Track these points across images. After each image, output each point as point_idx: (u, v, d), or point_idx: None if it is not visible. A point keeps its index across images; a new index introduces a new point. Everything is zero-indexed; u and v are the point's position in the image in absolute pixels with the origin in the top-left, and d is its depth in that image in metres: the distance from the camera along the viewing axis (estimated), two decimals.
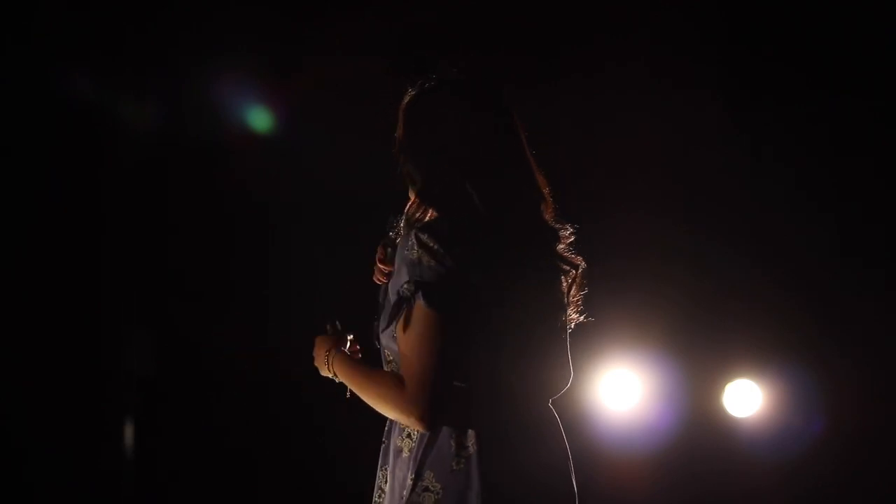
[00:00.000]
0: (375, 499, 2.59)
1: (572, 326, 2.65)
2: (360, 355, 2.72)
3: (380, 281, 2.64)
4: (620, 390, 5.59)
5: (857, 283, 5.36)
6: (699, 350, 5.52)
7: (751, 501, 5.53)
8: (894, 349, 5.37)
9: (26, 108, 4.87)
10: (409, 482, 2.45)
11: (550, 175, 2.61)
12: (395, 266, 2.47)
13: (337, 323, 2.75)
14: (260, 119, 5.27)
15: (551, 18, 5.19)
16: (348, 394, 2.61)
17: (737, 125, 5.40)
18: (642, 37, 5.23)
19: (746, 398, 5.56)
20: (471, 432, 2.43)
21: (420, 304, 2.38)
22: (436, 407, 2.39)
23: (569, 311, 2.63)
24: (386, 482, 2.55)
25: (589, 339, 5.36)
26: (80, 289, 5.07)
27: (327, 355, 2.64)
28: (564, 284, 2.61)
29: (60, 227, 4.99)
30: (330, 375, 2.67)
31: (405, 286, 2.40)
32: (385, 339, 2.51)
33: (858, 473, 5.37)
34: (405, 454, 2.49)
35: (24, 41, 4.82)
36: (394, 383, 2.43)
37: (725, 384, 5.58)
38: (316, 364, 2.72)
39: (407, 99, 2.60)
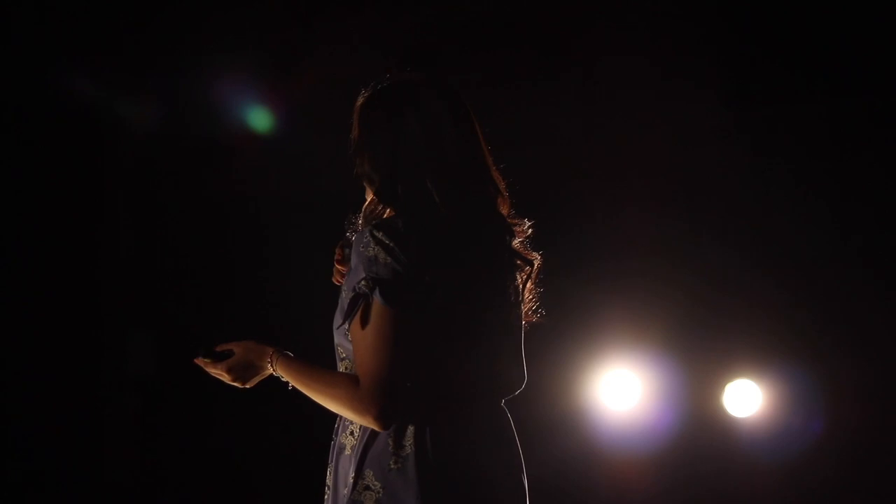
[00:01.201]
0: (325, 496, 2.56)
1: (527, 325, 2.61)
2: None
3: (338, 282, 2.61)
4: (620, 390, 5.59)
5: (857, 283, 5.36)
6: (699, 350, 5.52)
7: (751, 501, 5.52)
8: (894, 349, 5.37)
9: (26, 108, 4.87)
10: (351, 480, 2.42)
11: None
12: (352, 264, 2.44)
13: (207, 350, 2.68)
14: (260, 119, 5.27)
15: (551, 17, 5.19)
16: (290, 385, 2.56)
17: (737, 125, 5.40)
18: (642, 36, 5.23)
19: (746, 398, 5.56)
20: (409, 431, 2.39)
21: (377, 301, 2.35)
22: (393, 405, 2.35)
23: (524, 308, 2.59)
24: (331, 479, 2.52)
25: (589, 339, 5.43)
26: (80, 289, 5.06)
27: (269, 359, 2.59)
28: (519, 280, 2.58)
29: (60, 226, 4.99)
30: (276, 374, 2.60)
31: (362, 283, 2.37)
32: (338, 336, 2.48)
33: (858, 473, 5.37)
34: (347, 452, 2.46)
35: (23, 41, 4.82)
36: (348, 382, 2.39)
37: (725, 384, 5.58)
38: (241, 376, 2.67)
39: (361, 100, 2.60)
